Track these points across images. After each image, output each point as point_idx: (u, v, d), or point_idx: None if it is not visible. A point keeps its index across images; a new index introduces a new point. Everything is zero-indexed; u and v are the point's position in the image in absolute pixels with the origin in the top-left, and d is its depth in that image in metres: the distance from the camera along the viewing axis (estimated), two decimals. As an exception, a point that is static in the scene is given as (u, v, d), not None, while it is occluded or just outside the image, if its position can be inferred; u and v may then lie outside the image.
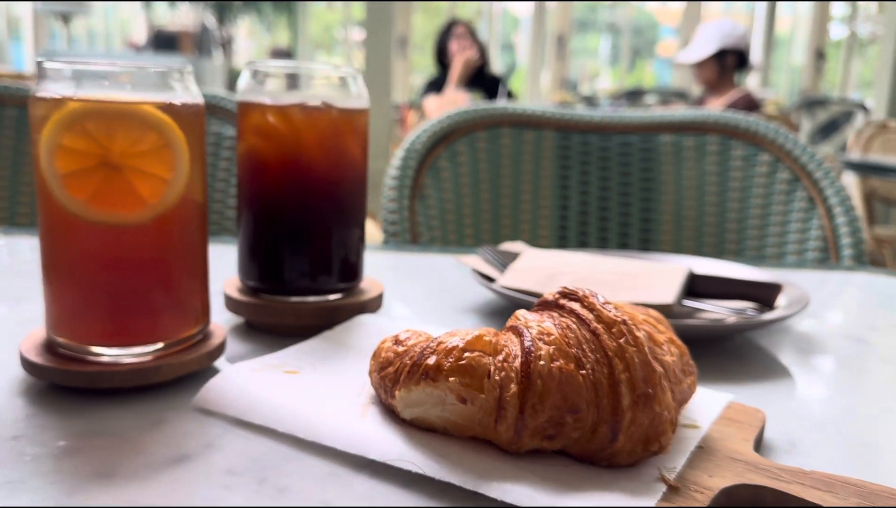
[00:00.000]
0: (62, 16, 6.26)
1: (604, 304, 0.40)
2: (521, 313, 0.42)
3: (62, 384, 0.47)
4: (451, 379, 0.38)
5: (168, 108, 0.47)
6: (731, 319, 0.62)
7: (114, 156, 0.46)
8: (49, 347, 0.50)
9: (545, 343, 0.39)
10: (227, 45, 6.52)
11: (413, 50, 8.53)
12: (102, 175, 0.46)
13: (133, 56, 5.45)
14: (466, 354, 0.39)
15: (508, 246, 0.81)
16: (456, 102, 3.57)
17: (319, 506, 0.36)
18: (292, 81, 0.59)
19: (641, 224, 1.22)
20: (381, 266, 0.89)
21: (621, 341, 0.38)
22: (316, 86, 0.59)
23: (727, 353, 0.62)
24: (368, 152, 0.63)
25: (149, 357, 0.49)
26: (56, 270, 0.48)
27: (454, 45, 3.85)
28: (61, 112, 0.45)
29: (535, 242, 1.20)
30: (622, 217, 1.22)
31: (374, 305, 0.63)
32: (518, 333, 0.40)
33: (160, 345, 0.49)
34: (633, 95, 5.61)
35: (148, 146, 0.46)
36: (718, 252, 1.20)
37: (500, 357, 0.39)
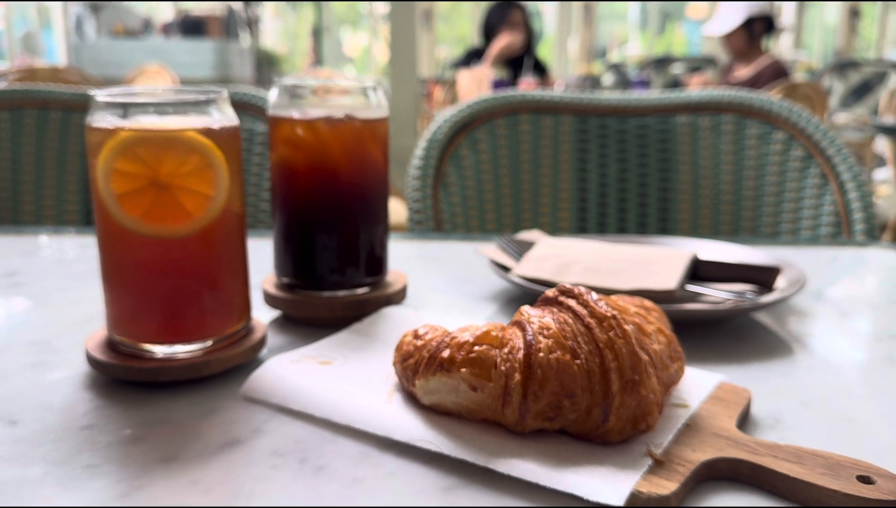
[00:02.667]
0: (91, 6, 6.36)
1: (596, 301, 0.45)
2: (524, 309, 0.47)
3: (124, 378, 0.54)
4: (463, 370, 0.44)
5: (208, 132, 0.53)
6: (730, 302, 0.67)
7: (162, 177, 0.52)
8: (110, 345, 0.56)
9: (545, 337, 0.44)
10: (253, 26, 6.58)
11: (438, 22, 8.51)
12: (153, 194, 0.52)
13: (162, 42, 5.53)
14: (476, 347, 0.45)
15: (525, 235, 0.86)
16: (481, 78, 3.60)
17: (350, 481, 0.42)
18: (317, 94, 0.64)
19: (659, 204, 1.26)
20: (406, 256, 0.94)
21: (611, 333, 0.43)
22: (340, 99, 0.65)
23: (725, 334, 0.66)
24: (388, 156, 0.68)
25: (199, 353, 0.55)
26: (114, 277, 0.55)
27: (505, 34, 3.81)
28: (115, 140, 0.51)
29: (556, 225, 1.25)
30: (640, 198, 1.26)
31: (398, 297, 0.69)
32: (521, 327, 0.46)
33: (209, 341, 0.55)
34: (661, 63, 5.56)
35: (192, 167, 0.52)
36: (734, 230, 1.23)
37: (506, 350, 0.44)
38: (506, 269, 0.77)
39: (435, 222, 1.16)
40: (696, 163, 1.25)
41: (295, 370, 0.53)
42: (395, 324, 0.62)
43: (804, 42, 9.19)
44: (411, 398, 0.49)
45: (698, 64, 5.37)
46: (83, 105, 1.30)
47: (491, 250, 0.81)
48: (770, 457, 0.42)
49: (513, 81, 3.65)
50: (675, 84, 5.02)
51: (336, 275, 0.67)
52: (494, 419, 0.45)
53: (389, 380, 0.52)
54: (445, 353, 0.45)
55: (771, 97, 1.23)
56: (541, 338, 0.44)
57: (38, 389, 0.54)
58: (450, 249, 0.98)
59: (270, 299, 0.68)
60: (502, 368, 0.44)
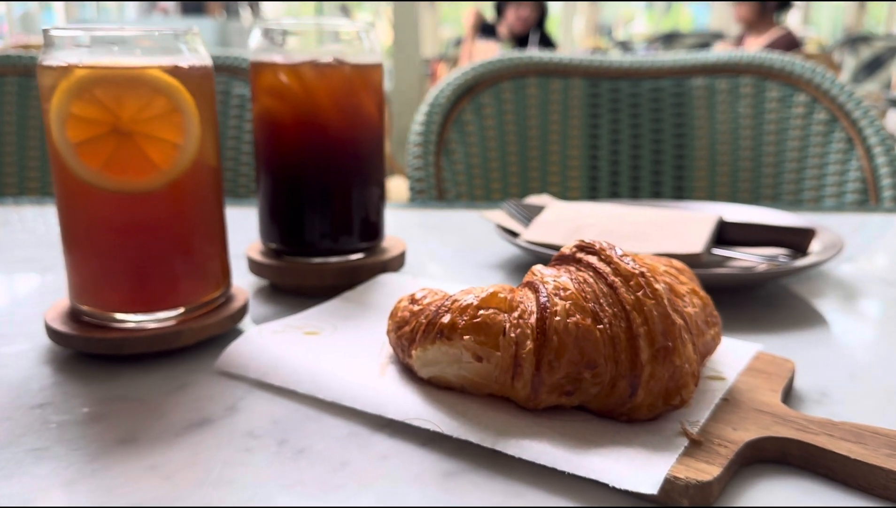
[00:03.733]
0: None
1: (621, 256, 0.39)
2: (537, 268, 0.41)
3: (86, 351, 0.48)
4: (466, 337, 0.38)
5: (175, 71, 0.46)
6: (762, 266, 0.60)
7: (124, 123, 0.45)
8: (74, 315, 0.50)
9: (561, 299, 0.38)
10: (254, 4, 6.48)
11: (442, 2, 8.39)
12: (114, 143, 0.46)
13: (161, 20, 5.45)
14: (481, 311, 0.38)
15: (533, 199, 0.80)
16: (487, 53, 3.52)
17: (335, 465, 0.36)
18: (304, 38, 0.58)
19: (674, 171, 1.19)
20: (406, 224, 0.88)
21: (639, 293, 0.37)
22: (328, 42, 0.58)
23: (758, 302, 0.60)
24: (384, 108, 0.61)
25: (171, 322, 0.49)
26: (75, 239, 0.49)
27: (511, 12, 3.82)
28: (69, 80, 0.45)
29: (566, 194, 1.18)
30: (654, 165, 1.19)
31: (396, 263, 0.63)
32: (534, 289, 0.39)
33: (181, 310, 0.49)
34: (669, 39, 5.45)
35: (157, 111, 0.46)
36: (754, 198, 1.17)
37: (516, 314, 0.38)
38: (514, 235, 0.71)
39: (437, 191, 1.09)
40: (713, 127, 1.18)
41: (277, 342, 0.47)
42: (391, 292, 0.56)
43: (813, 18, 9.06)
44: (407, 372, 0.43)
45: (707, 39, 5.26)
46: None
47: (497, 215, 0.75)
48: (825, 436, 0.36)
49: None
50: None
51: (327, 240, 0.60)
52: (503, 394, 0.39)
53: (383, 351, 0.46)
54: (446, 318, 0.39)
55: (793, 58, 1.16)
56: (557, 300, 0.38)
57: (-10, 364, 0.48)
58: (453, 217, 0.92)
59: (255, 267, 0.62)
60: (512, 334, 0.37)
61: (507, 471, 0.35)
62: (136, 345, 0.47)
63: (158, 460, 0.37)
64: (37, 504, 0.34)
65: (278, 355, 0.46)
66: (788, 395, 0.44)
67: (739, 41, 3.52)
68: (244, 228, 0.82)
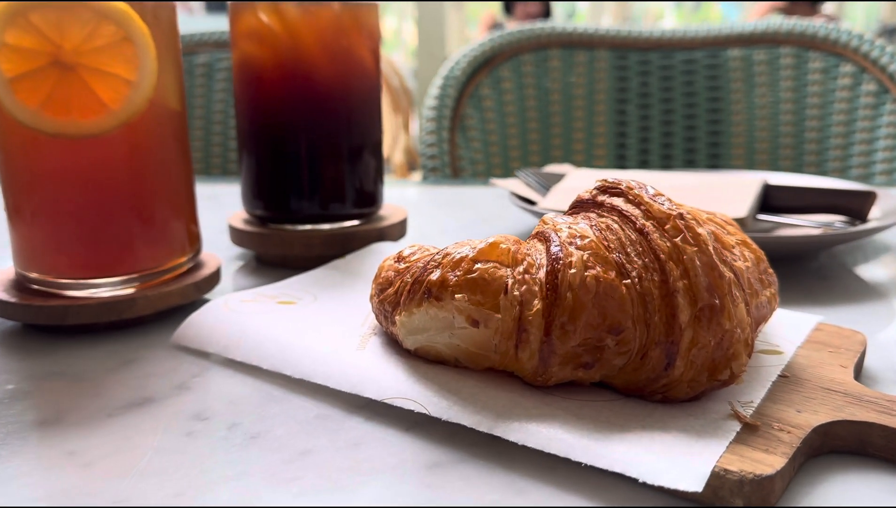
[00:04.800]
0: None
1: (654, 196, 0.31)
2: (549, 216, 0.33)
3: (27, 322, 0.41)
4: (459, 296, 0.30)
5: (125, -7, 0.39)
6: (817, 231, 0.52)
7: (66, 54, 0.39)
8: (19, 284, 0.44)
9: (578, 248, 0.30)
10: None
11: (469, 2, 8.32)
12: (55, 77, 0.39)
13: (185, 18, 5.44)
14: (478, 265, 0.31)
15: (553, 168, 0.72)
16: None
17: (294, 454, 0.29)
18: (289, -26, 0.51)
19: (709, 148, 1.10)
20: (414, 199, 0.81)
21: (677, 239, 0.29)
22: (316, -21, 0.51)
23: (812, 274, 0.52)
24: (381, 57, 0.54)
25: (128, 290, 0.42)
26: (16, 194, 0.42)
27: (519, 8, 3.83)
28: (1, 5, 0.38)
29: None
30: (687, 143, 1.11)
31: (394, 232, 0.55)
32: (545, 238, 0.32)
33: (136, 275, 0.42)
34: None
35: (104, 41, 0.39)
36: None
37: (521, 268, 0.31)
38: (531, 203, 0.63)
39: (452, 168, 1.02)
40: (750, 102, 1.09)
41: (245, 312, 0.40)
42: (386, 260, 0.49)
43: (847, 11, 8.84)
44: (393, 344, 0.35)
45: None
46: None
47: (511, 183, 0.68)
48: (915, 421, 0.28)
49: None
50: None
51: (316, 205, 0.53)
52: (505, 367, 0.31)
53: (367, 323, 0.38)
54: (435, 275, 0.32)
55: (837, 26, 1.07)
56: (572, 250, 0.30)
57: (-81, 337, 0.41)
58: (466, 192, 0.84)
59: (237, 236, 0.55)
60: (515, 292, 0.30)
61: (508, 463, 0.28)
62: (82, 315, 0.40)
63: (80, 445, 0.30)
64: (-85, 499, 0.27)
65: (244, 326, 0.38)
66: (860, 374, 0.36)
67: None
68: (231, 203, 0.76)
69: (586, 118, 1.10)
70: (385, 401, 0.31)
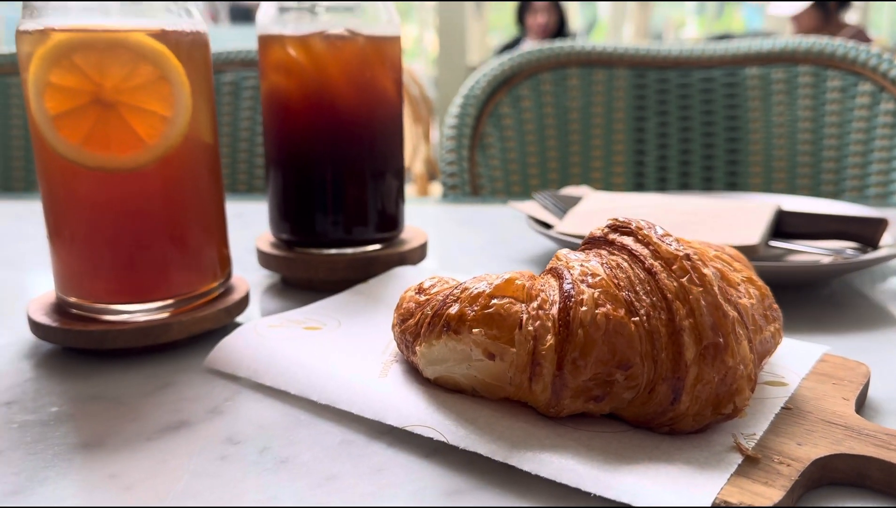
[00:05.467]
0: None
1: (662, 236, 0.33)
2: (562, 252, 0.35)
3: (67, 345, 0.43)
4: (476, 331, 0.32)
5: (162, 35, 0.42)
6: (827, 259, 0.53)
7: (106, 92, 0.41)
8: (60, 308, 0.46)
9: (589, 286, 0.32)
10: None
11: (489, 9, 8.34)
12: (96, 114, 0.41)
13: (211, 29, 5.51)
14: (494, 301, 0.33)
15: (570, 190, 0.74)
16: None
17: (320, 479, 0.31)
18: (316, 8, 0.53)
19: (727, 167, 1.11)
20: (433, 218, 0.83)
21: (684, 280, 0.31)
22: (343, 13, 0.53)
23: (822, 300, 0.53)
24: (403, 87, 0.56)
25: (162, 314, 0.44)
26: (58, 223, 0.44)
27: (530, 20, 3.84)
28: (46, 46, 0.41)
29: (609, 190, 1.12)
30: (706, 160, 1.12)
31: (415, 255, 0.57)
32: (558, 275, 0.33)
33: (171, 301, 0.45)
34: (721, 41, 5.31)
35: (142, 80, 0.42)
36: (814, 194, 1.08)
37: (535, 304, 0.32)
38: (547, 226, 0.65)
39: (472, 186, 1.04)
40: (769, 120, 1.10)
41: (273, 337, 0.42)
42: (407, 285, 0.50)
43: (873, 20, 8.76)
44: (413, 372, 0.37)
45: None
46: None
47: (528, 205, 0.69)
48: (912, 455, 0.30)
49: None
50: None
51: (340, 229, 0.55)
52: (519, 398, 0.33)
53: (388, 350, 0.40)
54: (453, 309, 0.33)
55: (855, 44, 1.07)
56: (583, 287, 0.32)
57: (-33, 358, 0.44)
58: (485, 211, 0.86)
59: (264, 259, 0.57)
60: (529, 328, 0.32)
61: (522, 491, 0.30)
62: (120, 339, 0.42)
63: (121, 467, 0.32)
64: (-29, 518, 0.29)
65: (272, 351, 0.41)
66: (862, 405, 0.37)
67: None
68: (257, 221, 0.78)
69: (604, 136, 1.11)
70: (406, 428, 0.33)
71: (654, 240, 0.32)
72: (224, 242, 0.48)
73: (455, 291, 0.34)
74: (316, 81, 0.52)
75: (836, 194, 1.07)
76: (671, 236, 0.33)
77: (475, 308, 0.33)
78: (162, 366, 0.42)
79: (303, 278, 0.56)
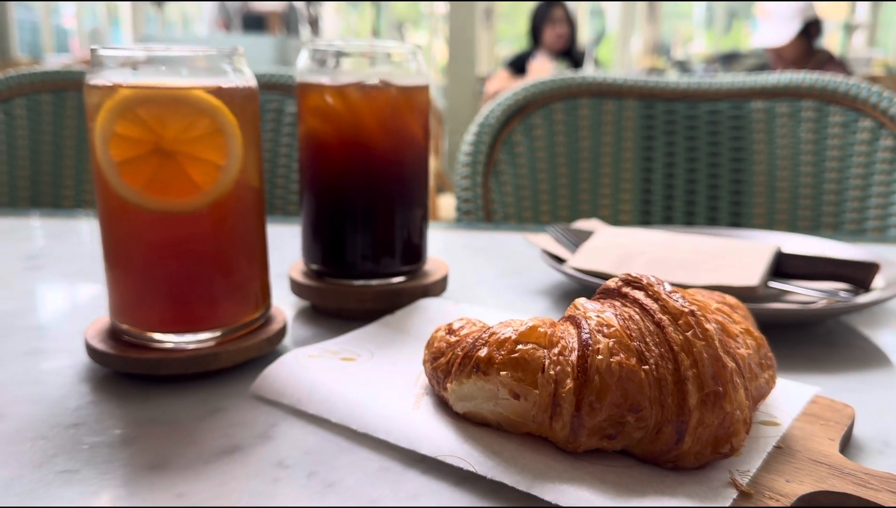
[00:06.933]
0: (157, 2, 6.47)
1: (670, 293, 0.37)
2: (580, 302, 0.39)
3: (124, 370, 0.48)
4: (503, 373, 0.36)
5: (219, 92, 0.46)
6: (822, 302, 0.57)
7: (166, 142, 0.45)
8: (113, 334, 0.50)
9: (604, 336, 0.36)
10: (314, 23, 6.59)
11: (499, 20, 8.39)
12: (156, 162, 0.45)
13: (223, 37, 5.58)
14: (519, 346, 0.37)
15: (581, 224, 0.78)
16: (541, 72, 3.52)
17: (364, 506, 0.35)
18: (351, 59, 0.57)
19: (732, 197, 1.15)
20: (450, 245, 0.87)
21: (688, 334, 0.35)
22: (376, 64, 0.57)
23: (817, 339, 0.57)
24: (429, 130, 0.61)
25: (210, 343, 0.48)
26: (115, 257, 0.49)
27: (549, 31, 3.88)
28: (114, 99, 0.45)
29: (617, 218, 1.16)
30: (711, 190, 1.16)
31: (437, 288, 0.62)
32: (576, 324, 0.38)
33: (220, 332, 0.49)
34: (729, 59, 5.35)
35: (200, 132, 0.46)
36: (814, 226, 1.12)
37: (556, 350, 0.36)
38: (560, 260, 0.69)
39: (485, 212, 1.08)
40: (772, 152, 1.14)
41: (312, 367, 0.46)
42: (431, 317, 0.55)
43: (879, 40, 8.80)
44: (443, 405, 0.41)
45: (767, 60, 5.14)
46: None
47: (542, 239, 0.73)
48: (888, 493, 0.34)
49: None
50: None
51: (368, 262, 0.60)
52: (541, 433, 0.37)
53: (419, 381, 0.45)
54: (482, 352, 0.38)
55: (857, 81, 1.11)
56: (599, 337, 0.36)
57: (30, 380, 0.48)
58: (499, 239, 0.90)
59: (297, 288, 0.61)
60: (551, 372, 0.36)
61: (543, 517, 0.34)
62: (173, 366, 0.47)
63: (187, 488, 0.36)
64: (61, 531, 0.33)
65: (313, 381, 0.45)
66: (847, 444, 0.41)
67: None
68: (290, 245, 0.82)
69: (613, 164, 1.16)
70: (439, 458, 0.37)
71: (663, 296, 0.37)
72: (266, 275, 0.52)
73: (484, 334, 0.39)
74: (351, 126, 0.57)
75: (835, 226, 1.11)
76: (678, 292, 0.37)
77: (502, 352, 0.37)
78: (211, 392, 0.47)
79: (332, 307, 0.60)
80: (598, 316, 0.37)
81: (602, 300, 0.39)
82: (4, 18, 4.39)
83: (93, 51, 0.47)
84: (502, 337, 0.38)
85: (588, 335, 0.36)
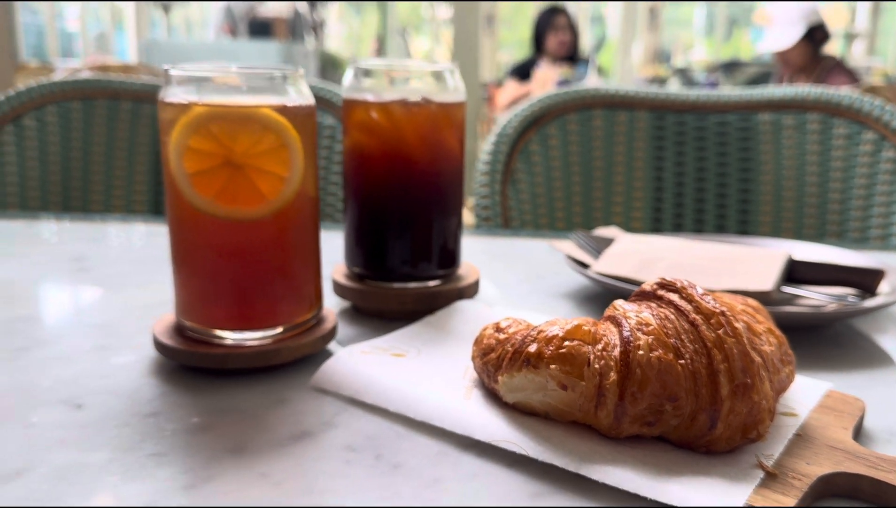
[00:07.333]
0: (162, 6, 6.52)
1: (702, 295, 0.41)
2: (619, 303, 0.44)
3: (192, 365, 0.52)
4: (553, 366, 0.41)
5: (283, 110, 0.50)
6: (831, 306, 0.62)
7: (236, 156, 0.49)
8: (178, 330, 0.54)
9: (644, 333, 0.40)
10: (318, 29, 6.64)
11: (500, 26, 8.45)
12: (227, 174, 0.50)
13: (229, 43, 5.63)
14: (566, 343, 0.41)
15: (602, 231, 0.82)
16: (545, 79, 3.57)
17: (429, 481, 0.39)
18: (393, 78, 0.62)
19: (739, 206, 1.20)
20: (474, 251, 0.91)
21: (720, 331, 0.39)
22: (415, 81, 0.62)
23: (827, 340, 0.61)
24: (465, 143, 0.65)
25: (269, 341, 0.53)
26: (184, 260, 0.53)
27: (552, 38, 3.93)
28: (188, 116, 0.49)
29: (629, 225, 1.20)
30: (719, 199, 1.20)
31: (470, 291, 0.66)
32: (616, 323, 0.42)
33: (280, 329, 0.53)
34: (730, 67, 5.42)
35: (267, 146, 0.50)
36: (819, 235, 1.17)
37: (600, 346, 0.41)
38: (583, 266, 0.73)
39: (503, 219, 1.12)
40: (779, 163, 1.19)
41: (367, 362, 0.51)
42: (469, 318, 0.59)
43: (879, 48, 8.86)
44: (491, 396, 0.45)
45: (769, 68, 5.21)
46: (153, 97, 1.31)
47: (566, 245, 0.78)
48: (897, 474, 0.38)
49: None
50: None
51: (408, 266, 0.64)
52: (586, 421, 0.41)
53: (467, 375, 0.49)
54: (532, 348, 0.42)
55: (860, 95, 1.16)
56: (640, 334, 0.40)
57: (102, 373, 0.52)
58: (520, 245, 0.94)
59: (340, 289, 0.65)
60: (596, 366, 0.40)
61: (591, 495, 0.38)
62: (239, 360, 0.51)
63: (267, 469, 0.40)
64: (162, 505, 0.37)
65: (369, 374, 0.49)
66: (859, 433, 0.45)
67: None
68: (328, 249, 0.86)
69: (625, 173, 1.20)
70: (492, 443, 0.41)
71: (696, 298, 0.41)
72: (319, 278, 0.57)
73: (532, 332, 0.43)
74: (394, 140, 0.61)
75: (839, 234, 1.15)
76: (709, 295, 0.41)
77: (551, 348, 0.41)
78: (273, 384, 0.51)
79: (373, 308, 0.65)
80: (636, 316, 0.41)
81: (638, 302, 0.44)
82: (11, 22, 4.44)
83: (166, 70, 0.51)
84: (550, 334, 0.42)
85: (629, 333, 0.40)
